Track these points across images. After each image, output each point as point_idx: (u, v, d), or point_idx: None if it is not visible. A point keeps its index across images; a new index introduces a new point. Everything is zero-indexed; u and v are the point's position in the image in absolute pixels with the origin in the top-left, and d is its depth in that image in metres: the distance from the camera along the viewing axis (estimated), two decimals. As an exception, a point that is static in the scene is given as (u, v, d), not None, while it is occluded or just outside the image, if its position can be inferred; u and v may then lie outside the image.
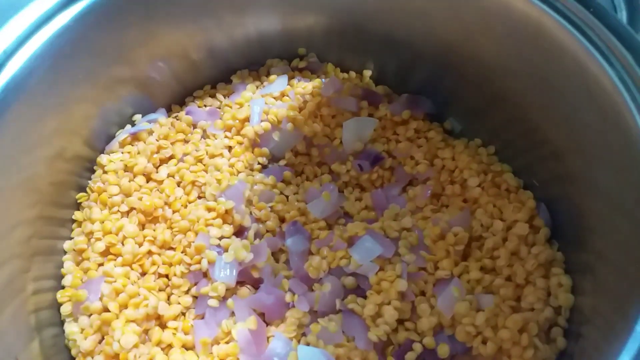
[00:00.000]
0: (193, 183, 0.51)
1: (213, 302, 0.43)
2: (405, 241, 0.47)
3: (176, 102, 0.57)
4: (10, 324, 0.40)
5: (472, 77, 0.52)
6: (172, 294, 0.45)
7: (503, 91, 0.51)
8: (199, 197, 0.50)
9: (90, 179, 0.51)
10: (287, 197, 0.51)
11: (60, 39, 0.43)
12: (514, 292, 0.45)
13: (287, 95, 0.56)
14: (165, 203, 0.49)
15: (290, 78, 0.58)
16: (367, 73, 0.59)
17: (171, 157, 0.53)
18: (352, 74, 0.59)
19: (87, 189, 0.51)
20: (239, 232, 0.49)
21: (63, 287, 0.46)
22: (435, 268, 0.46)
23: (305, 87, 0.56)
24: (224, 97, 0.57)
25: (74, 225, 0.49)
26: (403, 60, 0.56)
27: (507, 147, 0.54)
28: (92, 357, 0.41)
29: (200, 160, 0.52)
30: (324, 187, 0.51)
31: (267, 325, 0.44)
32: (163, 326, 0.43)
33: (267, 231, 0.50)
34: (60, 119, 0.47)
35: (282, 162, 0.54)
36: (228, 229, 0.48)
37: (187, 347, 0.42)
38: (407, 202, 0.51)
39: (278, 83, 0.57)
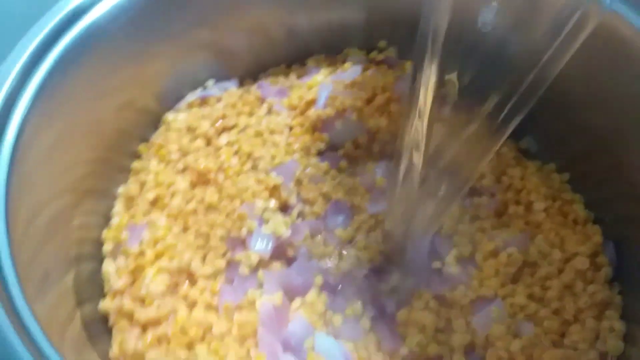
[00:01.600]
0: (249, 154, 0.51)
1: (244, 270, 0.43)
2: (457, 250, 0.45)
3: (250, 75, 0.58)
4: (53, 251, 0.41)
5: (558, 100, 0.49)
6: (208, 254, 0.45)
7: (588, 120, 0.48)
8: (252, 169, 0.50)
9: (153, 133, 0.53)
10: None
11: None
12: (560, 327, 0.42)
13: (358, 86, 0.55)
14: (219, 168, 0.50)
15: (366, 69, 0.57)
16: (449, 77, 0.57)
17: (234, 127, 0.53)
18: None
19: (149, 142, 0.52)
20: (284, 208, 0.48)
21: (109, 227, 0.47)
22: (480, 285, 0.44)
23: (377, 79, 0.55)
24: (297, 78, 0.58)
25: (131, 174, 0.51)
26: (489, 71, 0.53)
27: (584, 177, 0.50)
28: (121, 296, 0.42)
29: (261, 135, 0.53)
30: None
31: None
32: (193, 283, 0.43)
33: (312, 213, 0.49)
34: (134, 70, 0.49)
35: (340, 152, 0.53)
36: (273, 203, 0.48)
37: (210, 308, 0.42)
38: (470, 208, 0.48)
39: (351, 71, 0.56)
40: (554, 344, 0.41)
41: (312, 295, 0.43)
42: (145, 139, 0.53)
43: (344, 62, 0.58)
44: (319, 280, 0.44)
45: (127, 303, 0.42)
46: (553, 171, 0.51)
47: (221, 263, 0.44)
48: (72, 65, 0.42)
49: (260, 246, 0.45)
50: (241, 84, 0.57)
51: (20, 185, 0.36)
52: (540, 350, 0.40)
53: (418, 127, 0.39)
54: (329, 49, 0.59)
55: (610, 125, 0.46)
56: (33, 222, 0.38)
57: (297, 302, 0.43)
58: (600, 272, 0.44)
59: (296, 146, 0.52)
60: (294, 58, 0.59)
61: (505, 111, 0.36)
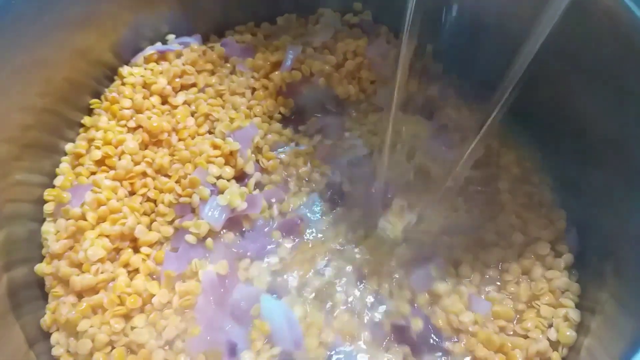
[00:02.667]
0: (206, 116, 0.48)
1: (190, 238, 0.41)
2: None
3: (215, 31, 0.55)
4: None
5: (538, 82, 0.47)
6: (155, 220, 0.43)
7: (564, 102, 0.45)
8: (209, 132, 0.48)
9: (107, 87, 0.49)
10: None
11: None
12: (513, 312, 0.41)
13: (328, 49, 0.52)
14: (173, 129, 0.47)
15: (338, 32, 0.54)
16: (429, 48, 0.54)
17: (193, 85, 0.50)
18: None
19: (102, 97, 0.49)
20: (240, 177, 0.46)
21: (53, 187, 0.44)
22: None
23: (349, 43, 0.52)
24: (264, 38, 0.54)
25: (81, 130, 0.48)
26: (471, 45, 0.51)
27: (554, 161, 0.48)
28: (58, 260, 0.40)
29: (221, 96, 0.50)
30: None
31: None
32: (136, 250, 0.41)
33: (271, 183, 0.47)
34: (89, 17, 0.45)
35: (306, 118, 0.50)
36: (229, 171, 0.45)
37: (152, 276, 0.40)
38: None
39: (322, 34, 0.53)
40: (503, 329, 0.40)
41: (259, 263, 0.42)
42: (98, 93, 0.49)
43: (316, 23, 0.55)
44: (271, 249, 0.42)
45: (64, 267, 0.39)
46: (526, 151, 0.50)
47: (168, 230, 0.42)
48: (11, 11, 0.38)
49: (212, 216, 0.42)
50: (205, 40, 0.54)
51: None
52: (489, 333, 0.39)
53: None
54: (301, 8, 0.55)
55: (585, 108, 0.44)
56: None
57: (244, 271, 0.41)
58: (561, 259, 0.43)
59: (257, 109, 0.49)
60: (264, 16, 0.55)
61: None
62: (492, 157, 0.49)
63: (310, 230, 0.44)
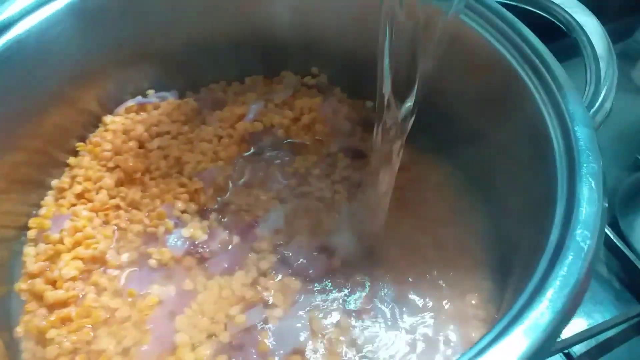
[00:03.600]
0: (177, 159, 0.55)
1: (153, 263, 0.47)
2: None
3: (190, 88, 0.63)
4: None
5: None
6: (123, 247, 0.49)
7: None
8: (177, 173, 0.54)
9: (92, 133, 0.57)
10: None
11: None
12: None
13: (288, 106, 0.60)
14: (147, 169, 0.54)
15: (297, 91, 0.62)
16: (369, 104, 0.62)
17: (167, 133, 0.57)
18: (357, 102, 0.62)
19: (87, 141, 0.56)
20: (202, 213, 0.52)
21: (37, 216, 0.50)
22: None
23: (306, 101, 0.60)
24: (233, 94, 0.62)
25: (67, 169, 0.55)
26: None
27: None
28: (34, 279, 0.45)
29: (191, 142, 0.57)
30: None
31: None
32: (104, 272, 0.47)
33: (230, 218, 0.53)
34: (79, 72, 0.53)
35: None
36: (193, 207, 0.52)
37: (117, 295, 0.46)
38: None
39: (283, 92, 0.61)
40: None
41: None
42: (84, 137, 0.56)
43: (279, 83, 0.63)
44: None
45: (39, 284, 0.45)
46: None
47: (134, 255, 0.48)
48: (8, 63, 0.45)
49: (175, 245, 0.48)
50: (181, 95, 0.62)
51: None
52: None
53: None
54: (268, 70, 0.64)
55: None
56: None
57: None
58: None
59: (222, 154, 0.56)
60: (234, 76, 0.64)
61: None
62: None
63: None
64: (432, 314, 0.46)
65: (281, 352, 0.43)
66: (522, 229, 0.42)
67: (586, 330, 0.54)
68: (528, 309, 0.31)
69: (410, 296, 0.47)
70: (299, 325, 0.45)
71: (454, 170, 0.55)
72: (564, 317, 0.31)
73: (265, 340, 0.43)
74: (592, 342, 0.54)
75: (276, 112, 0.59)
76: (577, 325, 0.55)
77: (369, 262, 0.49)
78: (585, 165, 0.36)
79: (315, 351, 0.43)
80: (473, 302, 0.46)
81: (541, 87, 0.42)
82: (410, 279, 0.48)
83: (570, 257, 0.33)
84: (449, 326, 0.45)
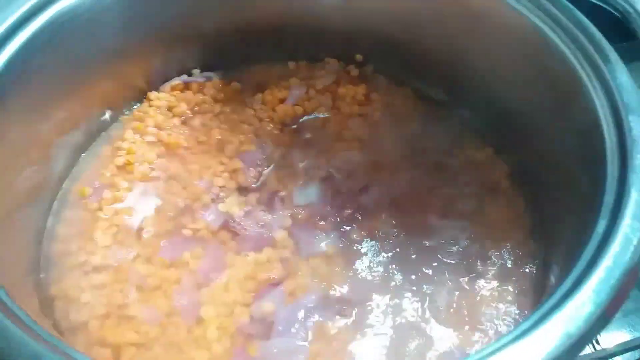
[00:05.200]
0: (219, 138, 0.55)
1: (187, 232, 0.47)
2: None
3: (235, 68, 0.63)
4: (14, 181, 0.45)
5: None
6: (159, 216, 0.49)
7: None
8: (218, 151, 0.55)
9: (135, 107, 0.58)
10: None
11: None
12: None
13: (330, 92, 0.60)
14: (187, 146, 0.54)
15: (340, 78, 0.62)
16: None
17: (209, 112, 0.58)
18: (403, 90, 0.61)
19: (131, 114, 0.57)
20: (241, 190, 0.52)
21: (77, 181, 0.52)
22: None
23: (349, 90, 0.60)
24: (276, 77, 0.62)
25: (109, 139, 0.56)
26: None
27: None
28: (72, 242, 0.47)
29: (232, 122, 0.57)
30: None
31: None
32: (139, 239, 0.48)
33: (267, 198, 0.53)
34: (127, 47, 0.54)
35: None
36: (232, 184, 0.52)
37: (149, 262, 0.46)
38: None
39: (325, 79, 0.61)
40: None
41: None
42: (127, 112, 0.58)
43: (321, 69, 0.63)
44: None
45: (75, 249, 0.46)
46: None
47: (170, 225, 0.48)
48: (60, 32, 0.46)
49: (211, 219, 0.49)
50: (224, 75, 0.62)
51: None
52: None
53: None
54: (311, 54, 0.64)
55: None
56: (3, 167, 0.42)
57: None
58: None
59: (262, 137, 0.56)
60: (277, 58, 0.64)
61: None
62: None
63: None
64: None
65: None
66: (567, 217, 0.40)
67: (629, 341, 0.51)
68: (568, 298, 0.29)
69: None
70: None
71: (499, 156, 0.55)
72: (605, 311, 0.29)
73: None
74: (635, 355, 0.52)
75: (317, 98, 0.59)
76: (620, 336, 0.53)
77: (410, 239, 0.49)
78: (638, 155, 0.34)
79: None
80: (514, 290, 0.45)
81: (594, 75, 0.40)
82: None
83: (618, 249, 0.31)
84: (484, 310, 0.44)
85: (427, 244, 0.48)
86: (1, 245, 0.40)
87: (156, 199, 0.50)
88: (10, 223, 0.42)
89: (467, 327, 0.43)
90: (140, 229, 0.48)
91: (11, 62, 0.42)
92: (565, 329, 0.28)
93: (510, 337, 0.28)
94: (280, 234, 0.49)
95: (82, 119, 0.53)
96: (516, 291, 0.45)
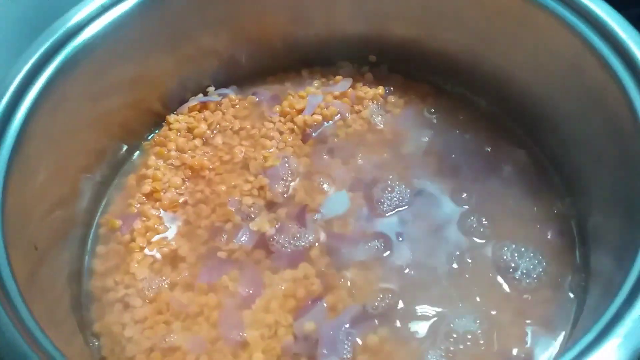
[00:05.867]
0: (241, 156, 0.55)
1: (222, 255, 0.47)
2: None
3: (248, 82, 0.62)
4: (51, 235, 0.45)
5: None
6: (193, 242, 0.49)
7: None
8: (243, 168, 0.54)
9: (155, 132, 0.58)
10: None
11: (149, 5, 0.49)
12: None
13: (348, 97, 0.59)
14: (212, 166, 0.54)
15: (357, 81, 0.61)
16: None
17: (229, 129, 0.58)
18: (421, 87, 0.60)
19: (151, 140, 0.57)
20: (270, 205, 0.52)
21: (106, 213, 0.52)
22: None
23: (367, 92, 0.59)
24: (291, 87, 0.62)
25: (132, 168, 0.56)
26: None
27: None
28: (108, 277, 0.47)
29: (253, 137, 0.57)
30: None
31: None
32: (174, 267, 0.47)
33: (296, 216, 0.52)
34: (141, 73, 0.53)
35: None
36: (260, 201, 0.51)
37: (188, 289, 0.46)
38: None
39: (341, 84, 0.60)
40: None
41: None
42: (147, 137, 0.58)
43: (335, 74, 0.62)
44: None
45: (112, 283, 0.46)
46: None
47: (203, 249, 0.48)
48: (78, 67, 0.46)
49: (243, 239, 0.48)
50: (239, 90, 0.62)
51: (21, 172, 0.40)
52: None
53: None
54: (323, 60, 0.63)
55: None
56: (33, 207, 0.42)
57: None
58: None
59: (285, 150, 0.56)
60: (290, 67, 0.63)
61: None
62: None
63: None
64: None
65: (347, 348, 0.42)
66: (609, 222, 0.39)
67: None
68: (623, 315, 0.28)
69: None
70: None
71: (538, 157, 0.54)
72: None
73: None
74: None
75: (335, 103, 0.58)
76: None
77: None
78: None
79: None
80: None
81: (631, 74, 0.38)
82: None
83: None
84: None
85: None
86: (42, 285, 0.40)
87: (187, 224, 0.50)
88: (47, 263, 0.42)
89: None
90: (174, 257, 0.48)
91: (37, 101, 0.42)
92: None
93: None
94: (314, 248, 0.48)
95: (105, 150, 0.53)
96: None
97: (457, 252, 0.47)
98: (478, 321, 0.43)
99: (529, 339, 0.43)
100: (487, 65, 0.55)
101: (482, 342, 0.42)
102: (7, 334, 0.29)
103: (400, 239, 0.48)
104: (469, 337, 0.42)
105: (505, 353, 0.42)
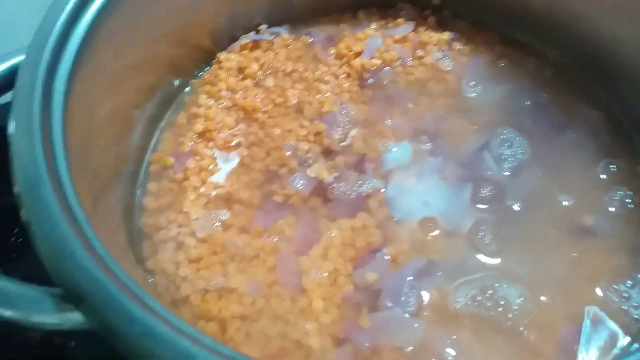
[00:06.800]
0: (295, 99, 0.52)
1: (278, 199, 0.45)
2: None
3: (302, 22, 0.59)
4: (106, 171, 0.43)
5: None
6: (248, 184, 0.47)
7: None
8: (297, 112, 0.52)
9: (205, 70, 0.55)
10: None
11: None
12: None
13: (410, 41, 0.56)
14: (264, 110, 0.52)
15: (418, 25, 0.57)
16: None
17: (282, 71, 0.55)
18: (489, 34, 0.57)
19: (201, 78, 0.55)
20: (327, 153, 0.50)
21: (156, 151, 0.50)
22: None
23: (431, 37, 0.56)
24: (347, 28, 0.58)
25: (181, 105, 0.53)
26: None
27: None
28: (156, 217, 0.45)
29: (306, 80, 0.54)
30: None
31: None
32: (229, 208, 0.46)
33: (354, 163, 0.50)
34: (191, 8, 0.50)
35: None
36: (316, 147, 0.49)
37: (243, 232, 0.44)
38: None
39: (402, 28, 0.57)
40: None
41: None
42: (197, 75, 0.55)
43: (395, 17, 0.58)
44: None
45: (165, 222, 0.45)
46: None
47: (258, 193, 0.46)
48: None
49: (300, 184, 0.47)
50: (292, 30, 0.58)
51: (79, 107, 0.38)
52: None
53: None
54: (381, 1, 0.59)
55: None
56: (88, 142, 0.41)
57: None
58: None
59: (341, 95, 0.53)
60: (345, 8, 0.60)
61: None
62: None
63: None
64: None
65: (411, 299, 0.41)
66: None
67: None
68: None
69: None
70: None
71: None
72: None
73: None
74: None
75: (396, 48, 0.55)
76: None
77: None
78: None
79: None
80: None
81: None
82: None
83: None
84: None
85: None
86: (101, 220, 0.38)
87: (241, 166, 0.48)
88: (104, 197, 0.41)
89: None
90: (229, 198, 0.46)
91: (86, 37, 0.39)
92: None
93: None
94: (373, 199, 0.46)
95: (154, 86, 0.51)
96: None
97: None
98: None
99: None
100: (564, 12, 0.51)
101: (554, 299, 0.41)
102: (80, 260, 0.28)
103: (469, 197, 0.46)
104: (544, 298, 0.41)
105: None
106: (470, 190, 0.46)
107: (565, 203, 0.45)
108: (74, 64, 0.38)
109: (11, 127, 0.32)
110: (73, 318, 0.29)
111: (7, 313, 0.29)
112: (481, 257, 0.43)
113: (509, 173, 0.47)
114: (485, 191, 0.46)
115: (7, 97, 0.37)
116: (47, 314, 0.29)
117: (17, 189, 0.30)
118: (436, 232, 0.45)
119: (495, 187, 0.46)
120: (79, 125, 0.37)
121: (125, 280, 0.29)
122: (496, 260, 0.43)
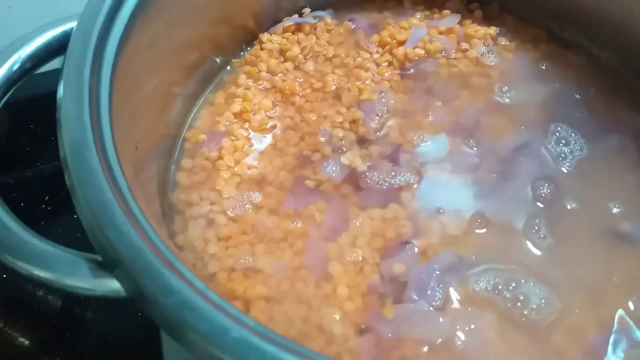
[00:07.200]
0: (334, 85, 0.52)
1: (310, 184, 0.45)
2: None
3: (346, 7, 0.59)
4: (148, 146, 0.44)
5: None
6: (281, 167, 0.47)
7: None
8: (334, 99, 0.52)
9: (246, 50, 0.55)
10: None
11: None
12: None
13: (455, 34, 0.55)
14: (302, 94, 0.52)
15: (464, 18, 0.56)
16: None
17: (323, 55, 0.55)
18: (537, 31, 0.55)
19: (242, 58, 0.55)
20: (362, 141, 0.49)
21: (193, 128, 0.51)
22: None
23: (477, 30, 0.55)
24: (390, 16, 0.58)
25: (220, 84, 0.54)
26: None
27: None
28: (188, 193, 0.46)
29: (346, 66, 0.54)
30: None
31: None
32: (261, 190, 0.46)
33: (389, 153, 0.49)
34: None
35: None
36: (352, 135, 0.49)
37: (272, 214, 0.45)
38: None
39: (448, 19, 0.56)
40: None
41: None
42: (239, 54, 0.55)
43: (442, 7, 0.57)
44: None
45: (197, 198, 0.45)
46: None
47: (290, 177, 0.46)
48: None
49: (333, 171, 0.46)
50: (335, 15, 0.58)
51: (125, 77, 0.38)
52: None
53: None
54: (428, -8, 0.58)
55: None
56: (133, 113, 0.41)
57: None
58: None
59: (381, 83, 0.52)
60: (392, -4, 0.59)
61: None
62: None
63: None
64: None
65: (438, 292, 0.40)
66: None
67: None
68: None
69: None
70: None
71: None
72: None
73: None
74: None
75: (440, 40, 0.54)
76: None
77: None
78: None
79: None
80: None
81: None
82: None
83: None
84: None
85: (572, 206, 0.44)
86: (140, 191, 0.39)
87: (275, 148, 0.48)
88: (142, 171, 0.41)
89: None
90: (261, 179, 0.46)
91: (136, 10, 0.39)
92: None
93: None
94: (406, 190, 0.46)
95: (197, 65, 0.51)
96: None
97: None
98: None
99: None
100: (617, 11, 0.49)
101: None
102: (121, 227, 0.28)
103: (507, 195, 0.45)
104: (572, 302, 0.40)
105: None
106: (519, 186, 0.45)
107: (614, 209, 0.44)
108: (124, 35, 0.38)
109: (60, 92, 0.33)
110: (106, 284, 0.29)
111: (43, 274, 0.29)
112: (515, 254, 0.42)
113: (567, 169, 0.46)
114: (543, 189, 0.45)
115: (51, 65, 0.38)
116: (81, 279, 0.29)
117: (62, 153, 0.31)
118: (468, 227, 0.44)
119: (553, 184, 0.45)
120: (125, 96, 0.38)
121: (164, 250, 0.29)
122: (530, 260, 0.42)
